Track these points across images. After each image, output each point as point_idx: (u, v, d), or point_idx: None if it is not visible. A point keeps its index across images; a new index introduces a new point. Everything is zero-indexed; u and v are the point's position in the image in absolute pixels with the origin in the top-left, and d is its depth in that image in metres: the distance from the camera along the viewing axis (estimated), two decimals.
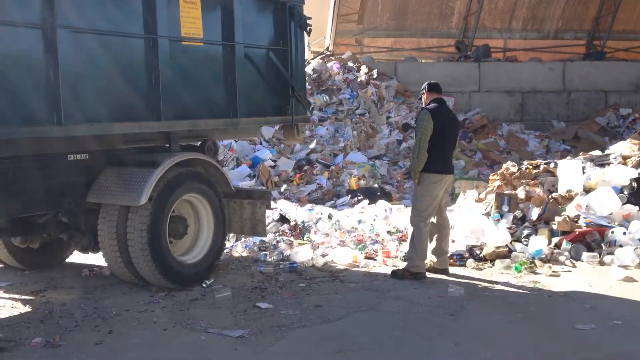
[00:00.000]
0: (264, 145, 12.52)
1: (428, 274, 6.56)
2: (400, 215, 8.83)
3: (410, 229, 6.70)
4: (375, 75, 15.03)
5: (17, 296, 5.97)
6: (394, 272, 6.58)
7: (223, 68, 6.71)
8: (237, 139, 10.73)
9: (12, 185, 5.41)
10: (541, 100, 16.71)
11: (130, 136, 6.13)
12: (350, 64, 15.49)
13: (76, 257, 7.00)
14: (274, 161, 12.08)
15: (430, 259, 6.74)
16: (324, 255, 7.26)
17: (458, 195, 9.76)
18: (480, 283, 6.30)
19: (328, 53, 16.55)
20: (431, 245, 6.75)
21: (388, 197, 10.88)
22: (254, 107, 7.10)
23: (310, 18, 7.76)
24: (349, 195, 11.05)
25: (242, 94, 6.82)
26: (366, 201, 10.12)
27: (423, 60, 17.73)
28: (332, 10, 16.78)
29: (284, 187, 11.29)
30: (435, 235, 6.72)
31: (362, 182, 11.63)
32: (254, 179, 11.41)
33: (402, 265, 6.79)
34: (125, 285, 6.18)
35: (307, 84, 14.31)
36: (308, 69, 14.88)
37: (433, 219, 6.67)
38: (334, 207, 10.60)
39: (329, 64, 15.23)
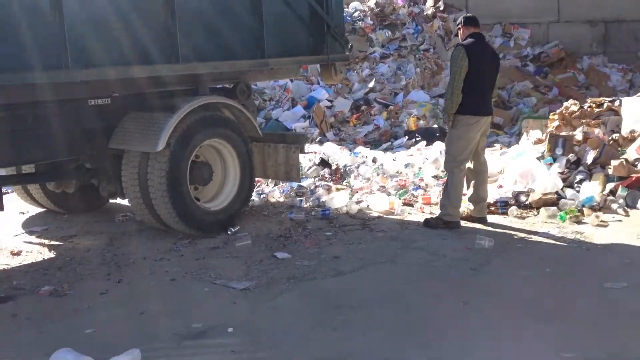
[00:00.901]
0: (321, 85, 12.17)
1: (464, 223, 6.18)
2: None
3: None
4: (442, 8, 14.23)
5: (46, 241, 6.07)
6: (426, 220, 6.24)
7: (248, 5, 6.40)
8: (274, 79, 10.38)
9: (32, 131, 5.41)
10: (627, 30, 15.36)
11: (152, 79, 5.98)
12: None
13: (118, 201, 7.01)
14: (331, 101, 11.74)
15: (467, 206, 6.35)
16: (359, 202, 6.99)
17: (521, 136, 9.18)
18: (518, 234, 5.86)
19: None
20: (468, 192, 6.34)
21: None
22: (285, 46, 6.78)
23: None
24: (406, 137, 10.63)
25: (270, 33, 6.51)
26: (423, 143, 9.69)
27: None
28: None
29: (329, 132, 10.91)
30: (472, 182, 6.30)
31: (421, 122, 11.13)
32: (308, 119, 11.14)
33: (438, 212, 6.43)
34: (152, 231, 6.16)
35: (369, 18, 13.85)
36: (370, 3, 14.30)
37: (470, 164, 6.24)
38: (391, 149, 10.26)
39: None
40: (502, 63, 13.75)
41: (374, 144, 10.68)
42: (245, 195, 6.44)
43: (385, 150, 10.10)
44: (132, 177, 5.83)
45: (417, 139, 10.27)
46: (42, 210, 7.08)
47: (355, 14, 14.03)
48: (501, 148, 9.64)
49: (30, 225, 6.61)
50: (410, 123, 11.04)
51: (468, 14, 6.45)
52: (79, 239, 6.11)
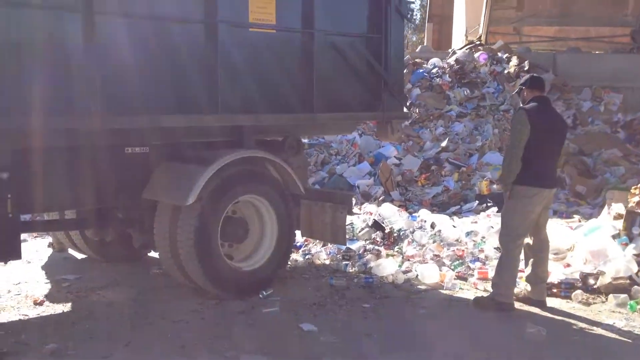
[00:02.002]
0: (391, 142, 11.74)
1: (519, 305, 5.53)
2: None
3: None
4: (526, 67, 13.61)
5: (74, 291, 5.86)
6: (476, 299, 5.63)
7: (299, 58, 6.15)
8: (328, 134, 10.02)
9: (64, 177, 5.25)
10: None
11: (193, 129, 5.75)
12: (500, 54, 14.18)
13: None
14: (399, 159, 11.29)
15: (525, 287, 5.70)
16: (406, 271, 6.45)
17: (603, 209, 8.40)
18: (578, 323, 5.17)
19: (477, 42, 15.33)
20: (526, 271, 5.70)
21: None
22: (336, 101, 6.46)
23: (412, 2, 7.07)
24: (477, 201, 10.01)
25: (321, 87, 6.22)
26: (495, 209, 9.05)
27: (594, 52, 15.88)
28: None
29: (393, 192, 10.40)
30: (531, 260, 5.66)
31: (495, 186, 10.47)
32: (373, 177, 10.72)
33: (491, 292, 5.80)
34: (182, 289, 5.84)
35: (448, 76, 13.41)
36: (450, 60, 13.88)
37: (529, 240, 5.62)
38: (459, 213, 9.69)
39: (476, 55, 14.05)
40: (590, 128, 13.10)
41: (441, 207, 10.12)
42: (282, 257, 6.05)
43: (453, 214, 9.54)
44: (163, 230, 5.56)
45: (489, 204, 9.64)
46: (83, 256, 6.93)
47: (434, 70, 13.66)
48: (580, 221, 8.89)
49: (65, 272, 6.46)
50: (483, 187, 10.41)
51: (534, 74, 5.92)
52: (107, 291, 5.88)
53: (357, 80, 6.64)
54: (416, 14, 53.43)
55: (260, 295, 5.69)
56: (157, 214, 5.63)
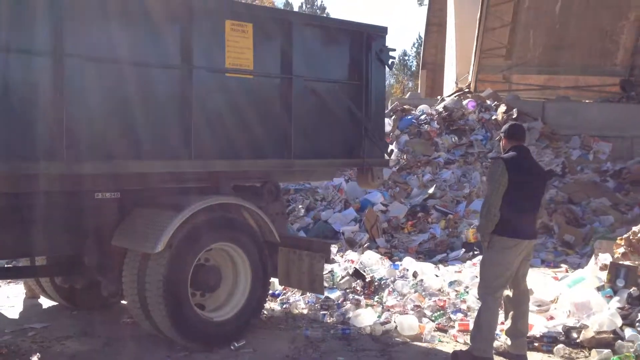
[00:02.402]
0: (378, 188, 11.63)
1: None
2: None
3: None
4: (514, 115, 13.62)
5: (38, 341, 5.65)
6: (454, 353, 5.43)
7: (276, 103, 6.08)
8: (308, 180, 9.88)
9: (30, 223, 5.11)
10: None
11: (166, 175, 5.63)
12: (489, 102, 14.20)
13: None
14: (385, 205, 11.17)
15: (504, 341, 5.51)
16: (385, 323, 6.25)
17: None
18: None
19: (466, 90, 15.37)
20: (506, 324, 5.52)
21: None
22: (315, 147, 6.37)
23: (394, 50, 6.89)
24: (464, 249, 9.86)
25: (299, 133, 6.13)
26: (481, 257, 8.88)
27: (583, 100, 15.91)
28: (475, 44, 15.64)
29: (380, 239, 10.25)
30: (511, 312, 5.49)
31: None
32: (359, 223, 10.57)
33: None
34: (151, 339, 5.64)
35: (436, 123, 13.39)
36: (439, 107, 13.90)
37: (509, 292, 5.46)
38: (445, 261, 9.53)
39: (465, 102, 14.07)
40: (579, 177, 13.02)
41: (427, 255, 9.97)
42: (256, 307, 5.87)
43: (440, 262, 9.38)
44: (132, 278, 5.39)
45: (476, 252, 9.49)
46: (54, 303, 6.73)
47: (423, 117, 13.64)
48: (567, 270, 8.75)
49: (33, 320, 6.25)
50: (470, 235, 10.26)
51: (514, 123, 5.84)
52: (73, 341, 5.67)
53: (337, 126, 6.57)
54: (412, 61, 54.01)
55: (232, 347, 5.50)
56: (126, 262, 5.47)
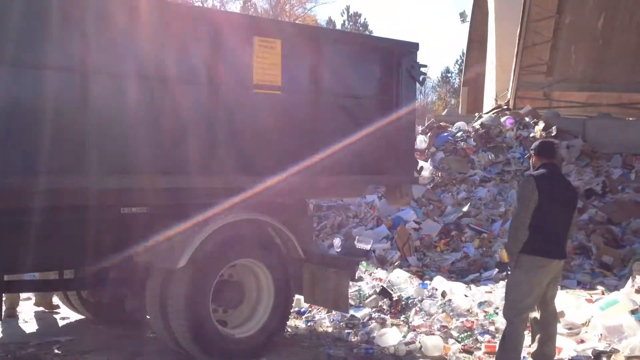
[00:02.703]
0: (411, 206, 11.53)
1: None
2: None
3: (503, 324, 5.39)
4: (554, 133, 13.36)
5: (60, 354, 5.72)
6: None
7: (304, 119, 6.06)
8: (337, 197, 9.80)
9: (56, 237, 5.19)
10: None
11: (194, 190, 5.66)
12: (527, 119, 13.98)
13: None
14: (418, 223, 11.05)
15: None
16: (409, 343, 6.16)
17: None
18: None
19: (504, 107, 15.17)
20: (532, 347, 5.38)
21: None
22: (342, 164, 6.33)
23: (425, 66, 6.85)
24: (497, 269, 9.67)
25: (326, 149, 6.09)
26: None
27: (626, 118, 15.54)
28: (515, 61, 15.44)
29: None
30: (538, 335, 5.34)
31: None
32: (390, 241, 10.48)
33: None
34: (175, 355, 5.65)
35: (473, 140, 13.23)
36: (476, 124, 13.74)
37: (536, 314, 5.32)
38: (478, 281, 9.36)
39: (502, 119, 13.88)
40: (619, 196, 12.67)
41: (460, 274, 9.80)
42: (278, 324, 5.85)
43: (472, 281, 9.22)
44: (154, 294, 5.44)
45: (509, 272, 9.28)
46: (80, 317, 6.82)
47: (459, 134, 13.50)
48: (602, 293, 8.49)
49: (58, 333, 6.34)
50: (503, 254, 10.00)
51: (545, 140, 5.73)
52: (96, 355, 5.73)
53: (365, 142, 6.52)
54: (455, 78, 53.70)
55: None
56: (150, 277, 5.51)
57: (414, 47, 6.82)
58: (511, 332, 5.17)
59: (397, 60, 6.60)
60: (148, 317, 5.59)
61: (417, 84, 6.87)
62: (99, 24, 4.84)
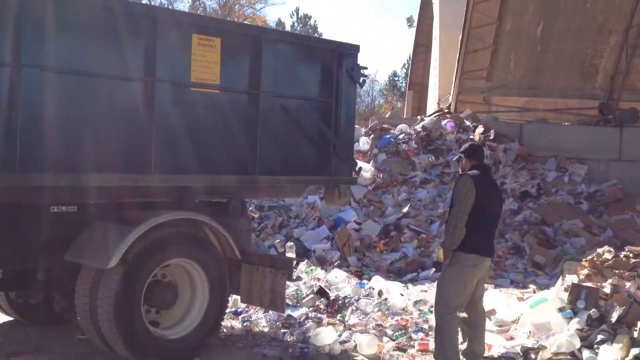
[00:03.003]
0: (352, 206, 11.62)
1: None
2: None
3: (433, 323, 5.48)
4: (492, 137, 13.66)
5: None
6: None
7: (243, 119, 6.06)
8: (276, 197, 9.80)
9: None
10: None
11: (127, 189, 5.58)
12: (467, 123, 14.25)
13: None
14: (359, 224, 11.14)
15: None
16: (344, 342, 6.21)
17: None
18: None
19: (446, 110, 15.44)
20: (462, 346, 5.50)
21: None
22: (282, 164, 6.37)
23: (366, 68, 6.92)
24: (434, 269, 9.83)
25: (265, 149, 6.12)
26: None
27: (562, 123, 15.98)
28: (457, 66, 15.72)
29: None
30: (467, 334, 5.46)
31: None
32: (331, 241, 10.53)
33: None
34: (105, 357, 5.55)
35: (414, 142, 13.41)
36: (418, 126, 13.94)
37: (464, 314, 5.44)
38: (415, 280, 9.51)
39: (443, 122, 14.12)
40: (553, 198, 13.05)
41: (398, 274, 9.93)
42: (212, 325, 5.82)
43: (410, 280, 9.36)
44: (84, 294, 5.34)
45: (442, 270, 9.45)
46: (9, 318, 6.63)
47: (401, 136, 13.67)
48: (534, 291, 8.73)
49: None
50: (440, 254, 10.13)
51: (473, 143, 5.87)
52: (24, 357, 5.58)
53: (304, 143, 6.57)
54: (402, 82, 54.28)
55: None
56: (79, 277, 5.41)
57: (355, 48, 6.88)
58: (449, 329, 5.28)
59: (338, 61, 6.65)
60: (78, 318, 5.46)
61: (358, 85, 6.95)
62: (31, 17, 4.73)
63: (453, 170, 12.89)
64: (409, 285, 8.80)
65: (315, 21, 56.94)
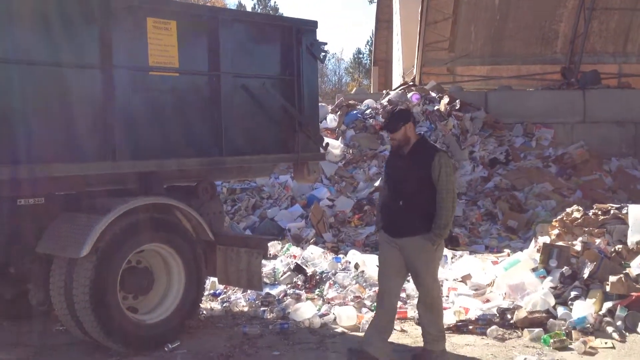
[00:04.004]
0: (324, 183, 11.65)
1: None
2: (455, 265, 7.62)
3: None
4: (458, 106, 13.75)
5: None
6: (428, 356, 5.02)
7: (205, 101, 6.01)
8: (246, 178, 9.74)
9: None
10: None
11: (92, 177, 5.52)
12: (433, 94, 14.32)
13: None
14: (332, 200, 11.17)
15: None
16: (324, 315, 6.26)
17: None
18: None
19: (410, 83, 15.49)
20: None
21: (454, 241, 9.56)
22: (248, 144, 6.34)
23: (325, 44, 6.89)
24: None
25: (230, 130, 6.09)
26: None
27: (526, 89, 16.13)
28: (418, 38, 15.76)
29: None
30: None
31: None
32: (305, 219, 10.55)
33: (416, 332, 5.60)
34: (84, 346, 5.52)
35: (381, 116, 13.42)
36: (384, 101, 13.97)
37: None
38: None
39: (409, 95, 14.17)
40: (522, 163, 13.23)
41: (374, 247, 9.97)
42: (191, 307, 5.80)
43: None
44: (59, 285, 5.27)
45: (433, 245, 9.52)
46: None
47: (368, 111, 13.69)
48: (508, 255, 8.85)
49: None
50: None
51: (402, 107, 5.68)
52: (3, 353, 5.51)
53: (270, 121, 6.55)
54: (366, 59, 54.23)
55: (166, 349, 5.43)
56: (52, 268, 5.35)
57: (313, 24, 6.86)
58: (440, 297, 5.22)
59: (297, 38, 6.62)
60: (55, 309, 5.41)
61: (318, 61, 6.93)
62: None
63: None
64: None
65: (275, 2, 56.64)
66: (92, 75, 5.30)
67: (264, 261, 7.01)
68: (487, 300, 6.39)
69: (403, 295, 6.78)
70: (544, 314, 5.79)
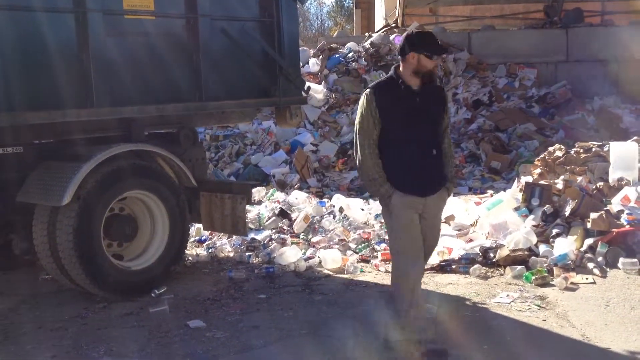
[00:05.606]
0: (307, 129, 11.59)
1: None
2: None
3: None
4: None
5: None
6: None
7: (183, 45, 5.90)
8: (227, 123, 9.57)
9: None
10: None
11: (71, 125, 5.44)
12: None
13: None
14: (316, 145, 11.14)
15: None
16: (309, 258, 6.30)
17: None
18: (473, 298, 5.10)
19: (393, 25, 15.28)
20: None
21: None
22: (229, 89, 6.26)
23: None
24: None
25: (210, 75, 5.99)
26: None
27: (509, 29, 15.98)
28: None
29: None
30: None
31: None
32: (289, 165, 10.53)
33: None
34: (70, 293, 5.54)
35: (364, 60, 13.30)
36: (366, 43, 13.80)
37: None
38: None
39: (391, 37, 14.00)
40: (505, 104, 13.22)
41: (359, 191, 10.01)
42: (176, 253, 5.80)
43: (370, 197, 9.43)
44: (42, 234, 5.25)
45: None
46: None
47: (350, 55, 13.53)
48: (492, 196, 8.91)
49: None
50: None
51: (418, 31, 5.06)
52: None
53: (250, 66, 6.44)
54: (349, 3, 53.46)
55: (152, 294, 5.45)
56: (35, 217, 5.31)
57: None
58: None
59: None
60: (39, 258, 5.40)
61: (298, 2, 6.80)
62: None
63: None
64: (370, 200, 8.88)
65: None
66: (66, 19, 5.16)
67: (248, 207, 7.04)
68: (470, 240, 6.46)
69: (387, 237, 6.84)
70: (526, 252, 5.86)
